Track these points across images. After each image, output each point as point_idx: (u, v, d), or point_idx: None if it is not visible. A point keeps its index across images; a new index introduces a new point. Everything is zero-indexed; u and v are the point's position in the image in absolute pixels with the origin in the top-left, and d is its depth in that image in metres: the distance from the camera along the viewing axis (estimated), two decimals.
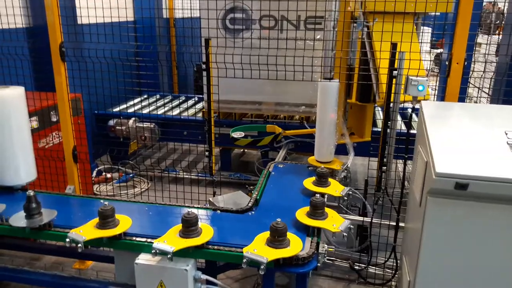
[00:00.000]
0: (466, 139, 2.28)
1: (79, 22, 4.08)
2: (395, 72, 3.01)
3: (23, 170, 3.12)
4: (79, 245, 2.33)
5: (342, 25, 3.31)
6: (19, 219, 2.55)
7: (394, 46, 2.97)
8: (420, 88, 2.78)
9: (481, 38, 6.64)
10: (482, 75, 3.74)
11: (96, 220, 2.46)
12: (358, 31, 3.49)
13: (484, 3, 6.82)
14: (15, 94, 3.02)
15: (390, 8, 2.96)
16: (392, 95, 3.08)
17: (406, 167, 3.06)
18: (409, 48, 2.94)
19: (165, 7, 7.39)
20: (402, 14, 3.00)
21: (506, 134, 2.27)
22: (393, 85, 3.05)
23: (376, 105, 3.56)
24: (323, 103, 3.28)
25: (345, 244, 3.62)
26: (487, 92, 4.58)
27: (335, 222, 2.48)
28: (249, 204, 2.81)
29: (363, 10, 3.31)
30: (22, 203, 2.55)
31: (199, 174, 5.29)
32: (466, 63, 2.94)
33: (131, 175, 5.56)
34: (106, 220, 2.41)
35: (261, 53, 3.25)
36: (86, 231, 2.41)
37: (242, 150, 6.55)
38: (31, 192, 2.52)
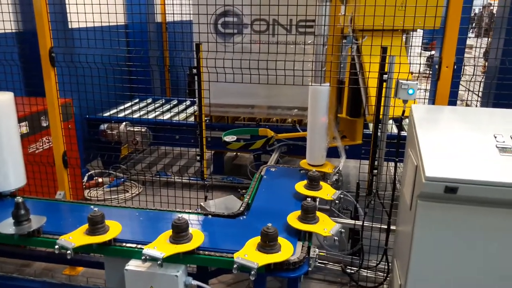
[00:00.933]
0: (455, 142, 2.29)
1: (69, 26, 4.06)
2: (385, 76, 3.02)
3: (12, 176, 3.08)
4: (68, 251, 2.31)
5: (332, 37, 3.33)
6: (7, 226, 2.52)
7: (384, 50, 2.98)
8: (410, 91, 2.79)
9: (473, 41, 6.70)
10: (471, 78, 3.77)
11: (86, 226, 2.44)
12: (348, 48, 3.52)
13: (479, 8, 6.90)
14: (4, 100, 3.00)
15: (379, 25, 2.99)
16: (383, 98, 3.09)
17: (397, 170, 3.07)
18: (399, 67, 2.97)
19: (157, 12, 7.38)
20: (391, 31, 3.03)
21: (495, 137, 2.28)
22: (384, 89, 3.06)
23: (366, 121, 3.60)
24: (314, 107, 3.28)
25: (337, 247, 3.62)
26: (478, 94, 4.61)
27: (326, 226, 2.48)
28: (241, 209, 2.81)
29: (352, 28, 3.35)
30: (11, 210, 2.52)
31: (191, 178, 5.27)
32: (456, 66, 2.96)
33: (122, 179, 5.53)
34: (96, 226, 2.39)
35: (253, 57, 3.25)
36: (76, 237, 2.39)
37: (234, 153, 6.54)
38: (19, 199, 2.50)
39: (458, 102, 5.97)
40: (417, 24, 2.95)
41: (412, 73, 3.93)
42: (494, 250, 2.18)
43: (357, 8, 3.17)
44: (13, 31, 3.95)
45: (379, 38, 3.05)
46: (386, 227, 3.20)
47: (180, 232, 2.28)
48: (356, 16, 3.19)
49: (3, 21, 3.65)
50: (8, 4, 3.75)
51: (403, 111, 2.86)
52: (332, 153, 3.96)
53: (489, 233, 2.16)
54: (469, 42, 6.55)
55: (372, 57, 3.06)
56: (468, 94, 4.58)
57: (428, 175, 2.08)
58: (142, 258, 2.20)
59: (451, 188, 2.07)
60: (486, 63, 5.84)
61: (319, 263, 3.57)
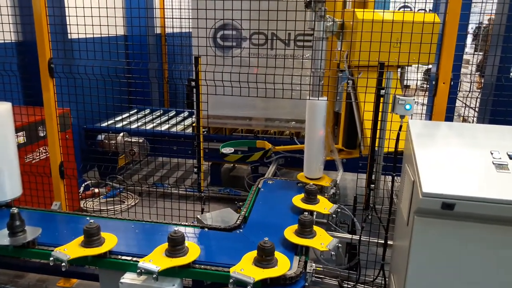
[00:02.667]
0: (452, 159, 2.30)
1: (69, 37, 4.08)
2: (382, 91, 3.04)
3: (8, 187, 3.07)
4: (63, 264, 2.29)
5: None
6: (2, 237, 2.50)
7: (381, 65, 3.01)
8: (407, 107, 2.80)
9: (469, 56, 6.77)
10: (468, 94, 3.80)
11: (81, 238, 2.43)
12: (344, 84, 3.58)
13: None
14: (2, 110, 2.99)
15: (374, 61, 3.04)
16: (380, 113, 3.11)
17: (394, 184, 3.07)
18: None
19: (157, 25, 7.44)
20: (386, 67, 3.08)
21: (492, 154, 2.29)
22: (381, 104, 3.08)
23: (361, 153, 3.66)
24: (312, 120, 3.29)
25: (334, 261, 3.60)
26: (474, 109, 4.64)
27: (323, 240, 2.48)
28: (237, 222, 2.79)
29: (348, 64, 3.41)
30: (6, 220, 2.50)
31: (188, 189, 5.25)
32: (452, 82, 2.99)
33: (119, 190, 5.50)
34: (91, 238, 2.38)
35: (251, 70, 3.27)
36: (71, 249, 2.37)
37: (232, 164, 6.54)
38: (14, 210, 2.48)
39: (455, 116, 5.99)
40: (412, 60, 3.01)
41: (408, 86, 3.98)
42: (491, 266, 2.18)
43: (353, 45, 3.23)
44: (13, 41, 3.96)
45: (374, 73, 3.11)
46: (383, 241, 3.19)
47: (176, 246, 2.27)
48: (351, 53, 3.26)
49: (3, 31, 3.66)
50: (8, 14, 3.76)
51: (396, 146, 2.87)
52: (330, 166, 3.96)
53: (486, 250, 2.16)
54: (465, 57, 6.61)
55: (368, 91, 3.11)
56: (465, 110, 4.61)
57: (425, 191, 2.08)
58: (138, 271, 2.19)
59: (448, 204, 2.07)
60: (482, 80, 5.90)
61: (315, 277, 3.55)
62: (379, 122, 3.13)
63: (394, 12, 2.95)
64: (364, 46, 3.02)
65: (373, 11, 3.25)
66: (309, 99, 3.27)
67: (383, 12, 2.97)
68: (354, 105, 3.62)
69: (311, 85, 3.23)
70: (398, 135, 2.98)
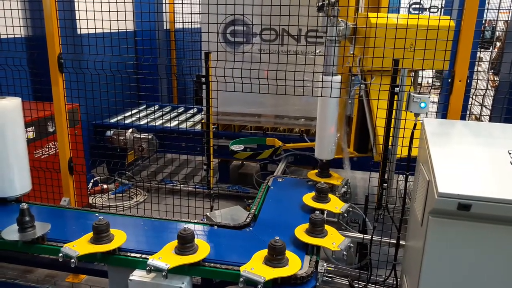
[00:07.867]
0: (469, 158, 2.24)
1: (78, 32, 4.06)
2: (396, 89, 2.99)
3: (18, 182, 3.06)
4: (72, 260, 2.28)
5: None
6: (11, 232, 2.50)
7: (396, 62, 2.95)
8: (422, 105, 2.75)
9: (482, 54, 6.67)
10: (477, 93, 3.73)
11: (90, 234, 2.41)
12: (356, 88, 3.53)
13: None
14: (12, 106, 2.98)
15: (387, 67, 2.98)
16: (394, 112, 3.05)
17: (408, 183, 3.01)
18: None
19: (166, 20, 7.41)
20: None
21: (510, 153, 2.23)
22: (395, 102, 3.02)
23: (373, 160, 3.61)
24: (323, 116, 3.24)
25: (344, 261, 3.56)
26: (491, 108, 4.56)
27: (334, 240, 2.44)
28: (247, 220, 2.76)
29: (361, 68, 3.35)
30: (16, 215, 2.50)
31: (197, 186, 5.23)
32: (468, 80, 2.92)
33: (127, 186, 5.50)
34: (100, 235, 2.37)
35: (262, 66, 3.23)
36: (80, 245, 2.36)
37: (241, 162, 6.51)
38: (24, 205, 2.48)
39: (467, 115, 5.90)
40: (426, 65, 2.94)
41: (420, 84, 3.92)
42: (507, 269, 2.12)
43: (366, 50, 3.17)
44: (23, 36, 3.95)
45: (387, 78, 3.05)
46: (395, 241, 3.14)
47: (185, 243, 2.25)
48: (364, 58, 3.20)
49: (12, 26, 3.65)
50: (18, 9, 3.75)
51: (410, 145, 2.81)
52: (339, 164, 3.91)
53: (502, 252, 2.10)
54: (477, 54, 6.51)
55: (381, 96, 3.05)
56: (480, 108, 4.53)
57: (441, 191, 2.03)
58: (147, 268, 2.17)
59: (465, 205, 2.01)
60: (495, 77, 5.79)
61: (326, 276, 3.51)
62: (391, 129, 3.08)
63: (408, 16, 2.87)
64: (378, 51, 2.96)
65: (387, 16, 3.17)
66: (320, 96, 3.21)
67: (397, 16, 2.89)
68: (367, 111, 3.57)
69: (325, 66, 3.16)
70: (412, 133, 2.93)
